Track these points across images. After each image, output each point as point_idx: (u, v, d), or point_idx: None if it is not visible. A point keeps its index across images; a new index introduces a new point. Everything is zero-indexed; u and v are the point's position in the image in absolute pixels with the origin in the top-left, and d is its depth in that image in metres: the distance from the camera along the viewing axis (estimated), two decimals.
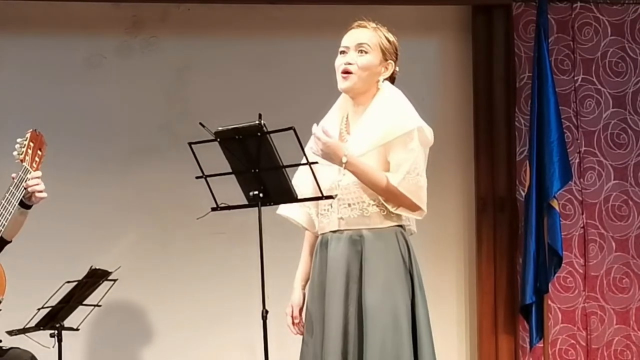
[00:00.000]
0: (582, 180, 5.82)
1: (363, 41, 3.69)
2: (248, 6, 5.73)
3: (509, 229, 5.78)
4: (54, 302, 4.77)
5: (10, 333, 4.60)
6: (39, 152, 4.05)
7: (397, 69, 3.75)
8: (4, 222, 3.89)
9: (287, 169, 3.56)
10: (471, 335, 5.83)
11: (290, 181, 3.60)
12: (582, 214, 5.81)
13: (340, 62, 3.70)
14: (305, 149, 3.56)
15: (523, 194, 5.71)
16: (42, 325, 4.80)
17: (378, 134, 3.61)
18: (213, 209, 3.69)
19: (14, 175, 3.94)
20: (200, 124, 3.55)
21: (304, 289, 3.80)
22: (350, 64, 3.67)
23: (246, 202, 3.64)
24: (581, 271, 5.81)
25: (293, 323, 3.79)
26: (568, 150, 5.65)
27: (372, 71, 3.69)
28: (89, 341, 5.57)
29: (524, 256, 5.60)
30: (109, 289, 4.96)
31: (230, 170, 3.64)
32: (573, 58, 5.86)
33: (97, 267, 4.85)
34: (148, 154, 5.68)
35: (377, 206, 3.63)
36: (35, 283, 5.06)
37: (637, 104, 5.86)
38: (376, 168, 3.60)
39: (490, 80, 5.81)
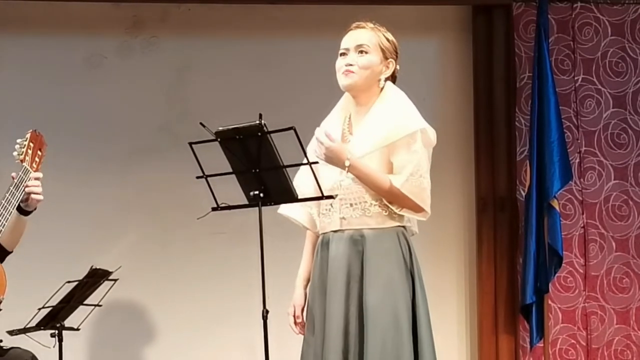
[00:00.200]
0: (582, 180, 5.81)
1: (362, 42, 3.69)
2: (248, 6, 5.72)
3: (509, 229, 5.78)
4: (54, 302, 4.77)
5: (10, 333, 4.60)
6: (39, 152, 4.05)
7: (398, 67, 3.76)
8: (4, 221, 3.88)
9: (287, 169, 3.56)
10: (471, 335, 5.83)
11: (291, 181, 3.60)
12: (583, 213, 5.81)
13: (340, 64, 3.70)
14: (307, 149, 3.56)
15: (523, 193, 5.71)
16: (42, 325, 4.80)
17: (381, 135, 3.61)
18: (213, 209, 3.69)
19: (13, 174, 3.94)
20: (201, 123, 3.55)
21: (305, 288, 3.80)
22: (351, 65, 3.67)
23: (246, 202, 3.64)
24: (581, 271, 5.80)
25: (295, 323, 3.80)
26: (568, 150, 5.64)
27: (373, 70, 3.69)
28: (89, 341, 5.57)
29: (524, 256, 5.59)
30: (110, 288, 4.96)
31: (230, 170, 3.64)
32: (573, 58, 5.86)
33: (98, 267, 4.85)
34: (148, 154, 5.68)
35: (379, 206, 3.63)
36: (36, 283, 5.06)
37: (637, 104, 5.86)
38: (379, 170, 3.60)
39: (491, 80, 5.80)
